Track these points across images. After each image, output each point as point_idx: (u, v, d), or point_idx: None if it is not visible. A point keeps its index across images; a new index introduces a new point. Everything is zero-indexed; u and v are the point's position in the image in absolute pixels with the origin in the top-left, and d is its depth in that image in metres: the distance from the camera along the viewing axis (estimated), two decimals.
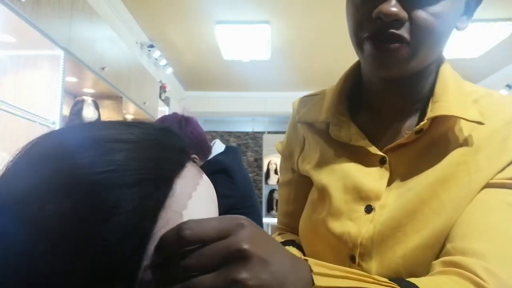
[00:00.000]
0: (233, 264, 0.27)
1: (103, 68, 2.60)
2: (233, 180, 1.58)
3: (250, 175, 6.75)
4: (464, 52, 4.33)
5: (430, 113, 0.55)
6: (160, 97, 4.38)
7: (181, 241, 0.28)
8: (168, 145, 0.35)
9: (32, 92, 2.07)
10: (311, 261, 0.33)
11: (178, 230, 0.28)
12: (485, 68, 4.94)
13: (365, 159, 0.60)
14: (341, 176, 0.61)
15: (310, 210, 0.67)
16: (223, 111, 6.53)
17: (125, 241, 0.28)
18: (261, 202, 6.35)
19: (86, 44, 2.40)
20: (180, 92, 6.17)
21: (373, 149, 0.59)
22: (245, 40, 4.25)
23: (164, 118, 1.69)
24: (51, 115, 2.06)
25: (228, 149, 1.70)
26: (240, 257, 0.27)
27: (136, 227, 0.28)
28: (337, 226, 0.59)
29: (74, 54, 2.24)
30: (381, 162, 0.59)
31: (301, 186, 0.72)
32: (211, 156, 1.63)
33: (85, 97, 2.64)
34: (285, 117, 4.48)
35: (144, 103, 3.57)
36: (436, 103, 0.56)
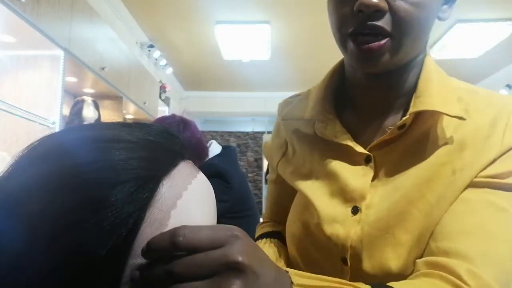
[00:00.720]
0: (227, 275, 0.27)
1: (103, 68, 2.60)
2: (229, 184, 1.56)
3: (250, 175, 6.82)
4: (464, 52, 4.34)
5: (412, 108, 0.55)
6: (160, 97, 4.38)
7: (174, 247, 0.28)
8: (161, 145, 0.35)
9: (32, 92, 2.07)
10: (292, 272, 0.34)
11: (172, 236, 0.28)
12: (485, 68, 4.94)
13: (350, 158, 0.60)
14: (326, 179, 0.61)
15: (299, 213, 0.66)
16: (223, 111, 6.53)
17: (109, 238, 0.28)
18: (261, 201, 6.35)
19: (86, 44, 2.40)
20: (180, 92, 6.17)
21: (358, 148, 0.59)
22: (245, 40, 4.25)
23: (162, 119, 1.66)
24: (51, 115, 2.06)
25: (224, 150, 1.67)
26: (235, 268, 0.27)
27: (120, 225, 0.29)
28: (326, 229, 0.59)
29: (74, 54, 2.24)
30: (366, 160, 0.59)
31: (282, 186, 0.73)
32: (207, 159, 1.59)
33: (85, 97, 2.64)
34: None
35: (144, 103, 3.58)
36: (418, 98, 0.56)
